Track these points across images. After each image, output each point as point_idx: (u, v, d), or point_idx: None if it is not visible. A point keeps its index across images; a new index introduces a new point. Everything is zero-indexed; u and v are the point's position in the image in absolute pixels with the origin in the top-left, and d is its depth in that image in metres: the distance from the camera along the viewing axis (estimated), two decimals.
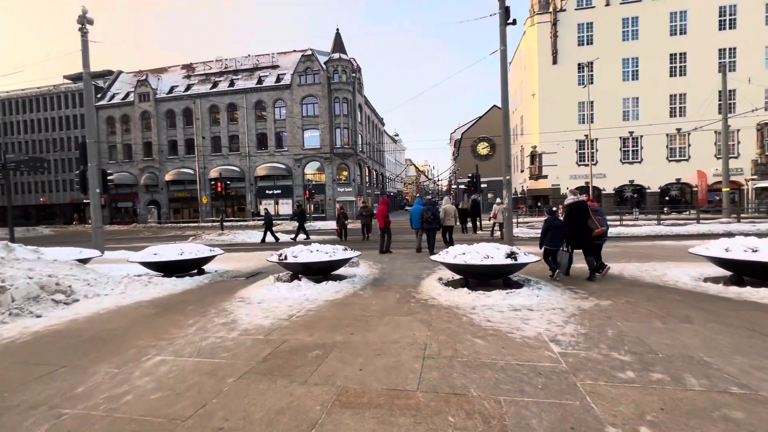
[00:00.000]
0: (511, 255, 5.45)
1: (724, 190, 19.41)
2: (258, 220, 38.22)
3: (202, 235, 19.92)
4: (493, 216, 14.76)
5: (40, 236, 28.36)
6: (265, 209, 19.06)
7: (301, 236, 16.24)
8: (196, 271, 7.82)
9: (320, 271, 6.63)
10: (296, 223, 16.55)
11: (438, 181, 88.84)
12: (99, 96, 45.72)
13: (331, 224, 30.22)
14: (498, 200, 15.01)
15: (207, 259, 7.79)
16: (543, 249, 6.74)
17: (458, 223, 14.07)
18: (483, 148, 49.64)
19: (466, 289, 5.52)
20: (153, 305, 5.56)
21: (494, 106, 49.39)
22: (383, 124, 61.51)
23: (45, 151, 51.56)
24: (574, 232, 6.49)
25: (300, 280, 6.28)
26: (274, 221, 17.26)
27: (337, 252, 6.68)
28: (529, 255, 5.75)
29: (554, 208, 7.26)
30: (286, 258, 6.37)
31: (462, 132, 53.40)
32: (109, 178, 12.57)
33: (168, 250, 7.42)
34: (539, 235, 6.97)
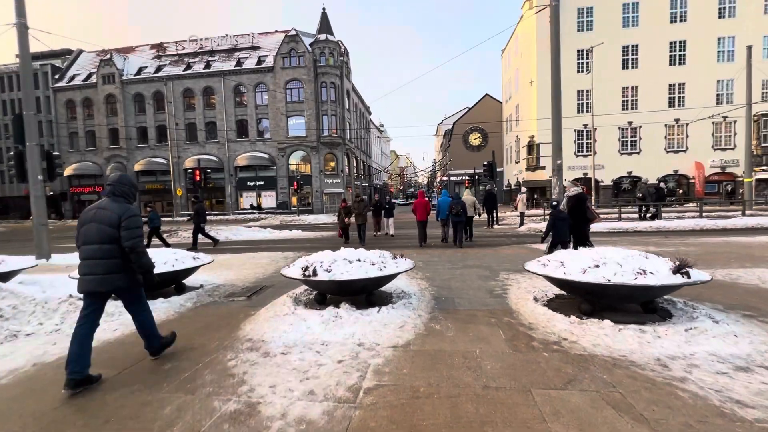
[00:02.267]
0: (682, 270, 3.50)
1: (746, 180, 18.37)
2: (244, 213, 35.28)
3: (178, 231, 17.24)
4: (515, 206, 13.41)
5: None
6: (150, 206, 13.48)
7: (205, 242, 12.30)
8: (173, 286, 5.52)
9: (362, 290, 4.51)
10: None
11: (426, 172, 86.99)
12: (57, 77, 41.16)
13: (322, 218, 27.80)
14: (523, 189, 13.39)
15: (189, 272, 5.50)
16: (549, 243, 6.68)
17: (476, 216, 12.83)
18: (475, 139, 48.07)
19: (607, 321, 3.54)
20: (100, 360, 3.30)
21: (486, 95, 47.82)
22: (370, 113, 59.00)
23: None
24: (576, 222, 6.58)
25: (338, 307, 4.12)
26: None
27: (387, 262, 4.57)
28: (704, 272, 3.80)
29: (555, 202, 7.24)
30: (315, 274, 4.19)
31: (453, 122, 51.58)
32: (57, 161, 9.87)
33: None
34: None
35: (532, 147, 35.50)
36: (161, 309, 4.71)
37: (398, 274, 4.51)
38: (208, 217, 22.62)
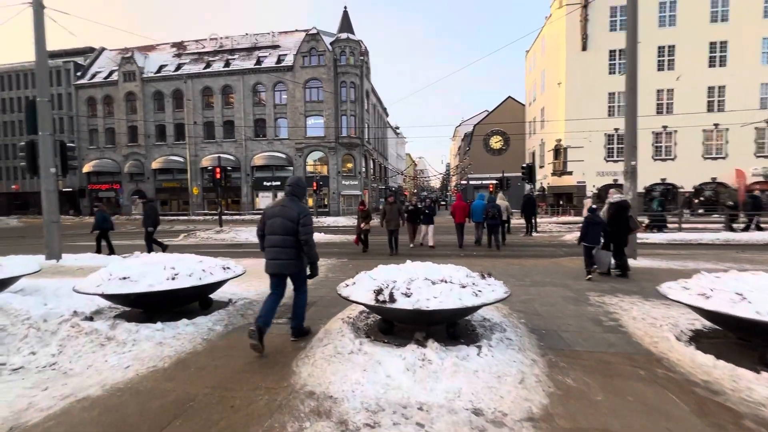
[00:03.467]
0: None
1: None
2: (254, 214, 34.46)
3: (195, 231, 16.45)
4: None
5: (3, 227, 24.46)
6: (97, 206, 11.35)
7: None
8: (197, 302, 4.54)
9: (447, 320, 3.43)
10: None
11: (441, 176, 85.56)
12: (79, 74, 41.41)
13: (341, 221, 26.83)
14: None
15: (217, 285, 4.50)
16: (582, 247, 6.55)
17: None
18: (496, 142, 46.65)
19: None
20: (106, 423, 2.29)
21: (509, 97, 46.43)
22: (387, 115, 58.12)
23: (19, 134, 46.95)
24: (617, 230, 6.47)
25: (423, 345, 3.04)
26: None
27: (479, 283, 3.47)
28: None
29: (594, 206, 6.92)
30: (392, 299, 3.13)
31: (474, 124, 50.25)
32: (70, 153, 9.07)
33: (149, 269, 4.11)
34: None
35: (558, 151, 34.00)
36: (185, 334, 3.70)
37: (496, 302, 3.40)
38: (224, 218, 21.75)
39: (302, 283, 3.71)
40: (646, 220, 13.96)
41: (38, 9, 8.29)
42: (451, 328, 3.53)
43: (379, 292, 3.22)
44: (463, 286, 3.33)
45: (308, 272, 3.68)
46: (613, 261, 6.83)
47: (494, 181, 35.57)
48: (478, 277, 3.66)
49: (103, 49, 44.17)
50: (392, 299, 3.13)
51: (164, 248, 10.09)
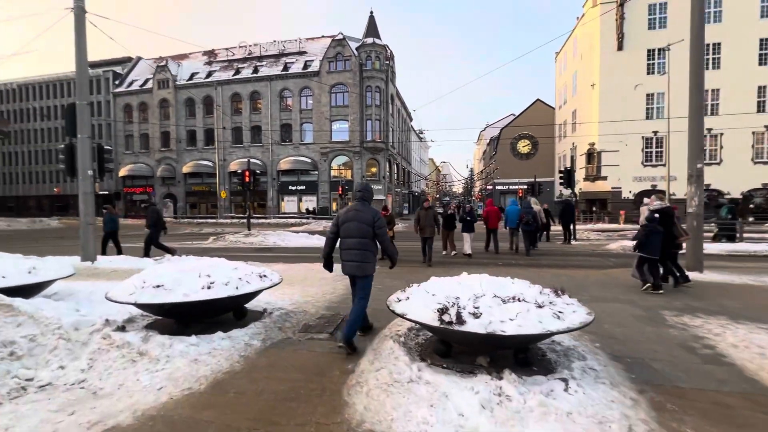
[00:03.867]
0: None
1: None
2: (299, 217, 34.54)
3: (224, 234, 16.50)
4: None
5: (45, 228, 25.56)
6: (105, 208, 10.86)
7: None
8: (231, 312, 4.23)
9: (516, 345, 2.93)
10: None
11: (465, 180, 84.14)
12: (117, 83, 43.31)
13: None
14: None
15: (253, 294, 4.18)
16: (638, 257, 6.07)
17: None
18: (524, 146, 45.32)
19: None
20: None
21: (537, 100, 45.09)
22: (411, 119, 57.75)
23: (61, 139, 49.57)
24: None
25: (497, 377, 2.57)
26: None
27: (558, 303, 2.97)
28: None
29: (656, 214, 6.18)
30: (460, 320, 2.67)
31: (500, 128, 49.07)
32: (106, 156, 9.15)
33: (183, 277, 3.82)
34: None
35: (591, 155, 32.55)
36: (221, 350, 3.37)
37: (582, 327, 2.87)
38: (251, 221, 21.82)
39: (367, 288, 3.74)
40: (715, 229, 12.92)
41: (80, 13, 8.40)
42: (522, 353, 3.03)
43: (443, 311, 2.77)
44: (540, 306, 2.83)
45: (389, 266, 3.98)
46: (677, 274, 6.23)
47: (523, 186, 34.46)
48: (552, 294, 3.15)
49: (139, 59, 46.04)
50: (460, 320, 2.67)
51: (145, 255, 9.73)
